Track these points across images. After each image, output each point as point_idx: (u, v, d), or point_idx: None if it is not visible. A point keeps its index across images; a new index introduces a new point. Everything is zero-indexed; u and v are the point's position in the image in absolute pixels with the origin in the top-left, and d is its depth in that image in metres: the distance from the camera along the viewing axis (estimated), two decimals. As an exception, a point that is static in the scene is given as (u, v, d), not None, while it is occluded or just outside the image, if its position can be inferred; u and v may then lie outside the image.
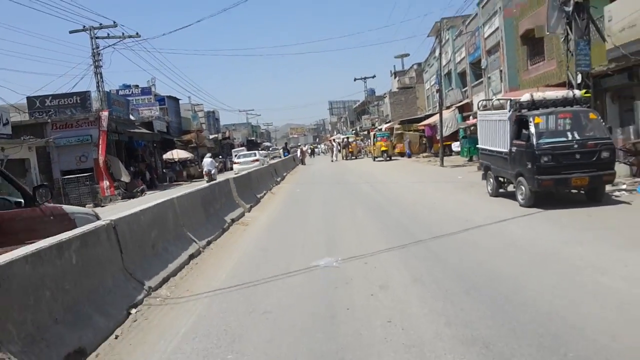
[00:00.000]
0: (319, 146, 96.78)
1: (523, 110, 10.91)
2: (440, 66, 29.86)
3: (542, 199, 10.48)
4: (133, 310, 5.28)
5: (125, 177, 29.95)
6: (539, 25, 21.15)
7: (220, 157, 52.26)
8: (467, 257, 6.77)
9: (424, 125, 39.37)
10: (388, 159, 37.99)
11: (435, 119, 33.46)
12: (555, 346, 3.82)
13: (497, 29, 27.63)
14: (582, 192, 10.70)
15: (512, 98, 11.64)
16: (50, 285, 4.24)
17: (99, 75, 30.60)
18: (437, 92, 31.84)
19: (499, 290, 5.23)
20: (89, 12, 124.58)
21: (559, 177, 10.00)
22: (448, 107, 37.42)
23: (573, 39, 12.67)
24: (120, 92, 42.69)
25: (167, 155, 40.48)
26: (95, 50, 30.40)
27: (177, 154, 40.26)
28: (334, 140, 68.75)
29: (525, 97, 11.06)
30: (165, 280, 6.36)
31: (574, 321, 4.29)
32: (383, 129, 48.19)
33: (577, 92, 11.18)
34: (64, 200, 24.93)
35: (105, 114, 29.54)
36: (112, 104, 32.21)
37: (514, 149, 11.01)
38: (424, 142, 40.99)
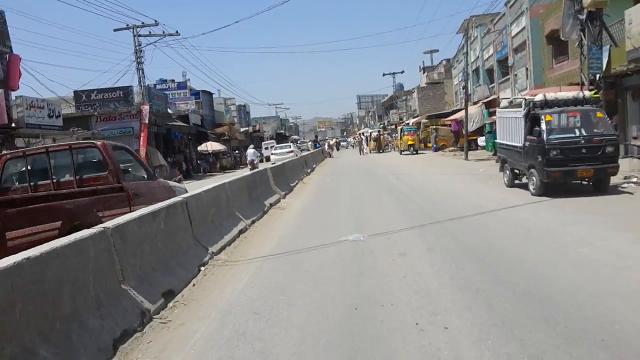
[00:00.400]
0: (347, 139, 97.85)
1: (536, 109, 11.98)
2: (466, 63, 30.70)
3: (552, 189, 11.56)
4: (202, 268, 6.68)
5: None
6: (562, 26, 22.02)
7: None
8: (475, 234, 7.98)
9: (451, 120, 40.19)
10: (415, 152, 38.97)
11: (461, 114, 34.28)
12: (528, 291, 5.05)
13: (524, 28, 28.38)
14: (590, 183, 11.72)
15: (526, 97, 12.68)
16: (149, 242, 5.64)
17: (140, 71, 32.40)
18: (462, 88, 32.64)
19: (496, 258, 6.45)
20: (132, 12, 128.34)
21: (566, 169, 11.08)
22: (475, 103, 38.21)
23: (586, 44, 13.59)
24: (157, 87, 44.57)
25: (202, 147, 42.22)
26: (137, 48, 32.19)
27: (211, 146, 41.97)
28: (362, 134, 69.83)
29: (538, 97, 12.12)
30: (222, 248, 7.76)
31: (550, 277, 5.50)
32: (410, 124, 49.04)
33: (587, 93, 12.20)
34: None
35: (146, 107, 31.33)
36: (152, 98, 34.02)
37: (527, 143, 12.10)
38: (451, 136, 41.79)
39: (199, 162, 42.01)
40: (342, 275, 6.22)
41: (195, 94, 47.85)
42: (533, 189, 11.79)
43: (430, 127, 44.13)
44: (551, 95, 12.10)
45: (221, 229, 8.28)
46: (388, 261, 6.72)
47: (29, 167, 8.08)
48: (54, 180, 8.02)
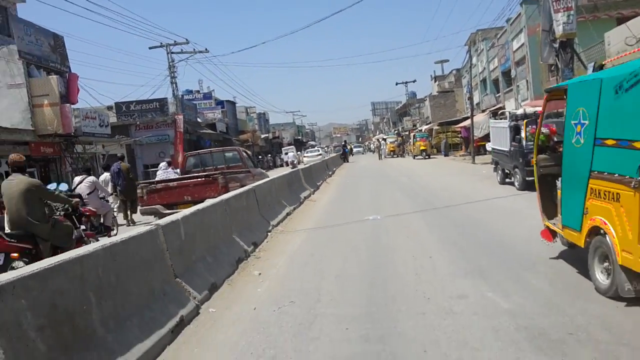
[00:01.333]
0: (362, 145, 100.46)
1: (518, 120, 14.82)
2: (470, 77, 33.51)
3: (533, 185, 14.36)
4: (268, 234, 9.67)
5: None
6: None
7: (270, 155, 57.44)
8: (463, 214, 10.87)
9: (461, 127, 42.94)
10: (427, 157, 41.78)
11: (470, 122, 37.07)
12: (487, 242, 7.93)
13: (523, 44, 31.14)
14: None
15: (510, 111, 15.53)
16: (240, 212, 8.65)
17: (174, 84, 35.70)
18: (468, 99, 35.42)
19: (473, 227, 9.34)
20: (166, 32, 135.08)
21: (541, 168, 13.87)
22: (483, 111, 40.95)
23: (560, 67, 16.41)
24: (185, 97, 48.01)
25: (227, 153, 45.43)
26: (171, 63, 35.50)
27: (237, 151, 45.13)
28: (381, 139, 72.72)
29: (520, 110, 14.97)
30: (278, 223, 10.75)
31: (504, 235, 8.37)
32: (423, 130, 51.84)
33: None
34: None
35: (180, 117, 34.64)
36: (184, 109, 37.31)
37: (512, 148, 14.94)
38: (460, 142, 44.58)
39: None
40: (364, 242, 9.12)
41: (220, 103, 51.21)
42: (517, 185, 14.63)
43: (441, 134, 46.87)
44: (530, 109, 14.94)
45: (275, 211, 11.30)
46: (397, 230, 9.65)
47: (200, 160, 15.60)
48: (215, 167, 15.11)
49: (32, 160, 21.88)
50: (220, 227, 7.30)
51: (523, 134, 14.19)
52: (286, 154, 52.24)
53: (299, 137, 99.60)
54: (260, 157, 52.64)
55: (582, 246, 5.46)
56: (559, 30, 16.31)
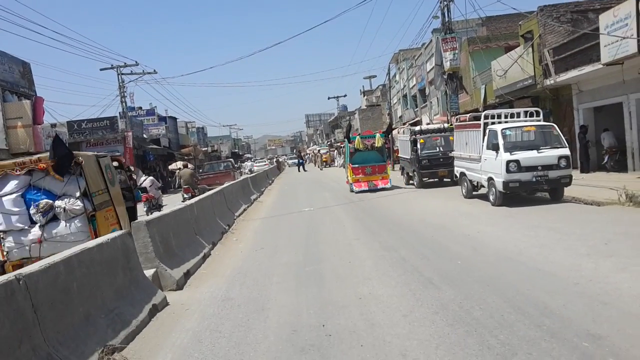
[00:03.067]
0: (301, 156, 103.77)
1: (416, 135, 19.64)
2: (389, 97, 39.08)
3: (427, 185, 19.18)
4: (234, 221, 13.76)
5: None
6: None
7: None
8: (370, 204, 15.37)
9: (384, 139, 48.26)
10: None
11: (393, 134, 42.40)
12: (383, 218, 12.40)
13: (434, 67, 36.63)
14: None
15: (410, 127, 20.36)
16: (217, 205, 12.70)
17: (124, 104, 38.73)
18: (388, 115, 40.69)
19: (375, 210, 13.82)
20: (116, 54, 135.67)
21: (431, 171, 18.74)
22: (404, 123, 46.50)
23: (449, 94, 21.50)
24: (130, 114, 50.68)
25: (172, 166, 48.38)
26: (121, 84, 38.55)
27: (180, 165, 48.31)
28: (319, 151, 77.59)
29: (417, 128, 19.82)
30: (239, 215, 14.85)
31: (394, 215, 12.87)
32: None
33: (446, 125, 19.99)
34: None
35: (129, 134, 37.68)
36: (132, 126, 40.31)
37: (412, 156, 19.73)
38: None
39: (169, 179, 48.30)
40: (303, 221, 13.42)
41: (163, 119, 54.09)
42: (416, 184, 19.42)
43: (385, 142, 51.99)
44: (425, 126, 19.85)
45: (236, 207, 15.40)
46: (324, 215, 14.02)
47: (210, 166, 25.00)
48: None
49: (6, 176, 24.65)
50: (210, 211, 11.36)
51: (418, 146, 19.02)
52: (243, 162, 56.35)
53: (236, 150, 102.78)
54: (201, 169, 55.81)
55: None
56: (447, 65, 21.40)
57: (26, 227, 7.90)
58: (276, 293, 6.51)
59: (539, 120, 13.48)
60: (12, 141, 24.50)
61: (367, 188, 19.75)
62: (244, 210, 16.18)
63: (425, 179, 19.01)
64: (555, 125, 13.07)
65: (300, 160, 53.01)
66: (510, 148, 12.13)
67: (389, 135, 26.99)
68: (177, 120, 61.45)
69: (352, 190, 20.04)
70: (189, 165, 25.70)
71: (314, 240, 10.25)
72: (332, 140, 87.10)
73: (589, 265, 6.33)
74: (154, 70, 38.91)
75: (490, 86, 25.35)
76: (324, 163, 57.19)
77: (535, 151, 12.03)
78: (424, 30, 72.83)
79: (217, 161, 39.15)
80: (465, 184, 14.63)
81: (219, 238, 10.91)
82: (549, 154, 11.97)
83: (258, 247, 10.04)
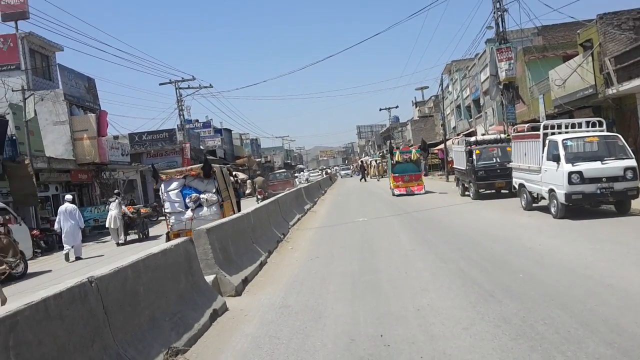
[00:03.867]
0: (350, 167, 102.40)
1: (472, 146, 19.29)
2: (442, 107, 38.51)
3: (484, 196, 18.77)
4: (289, 230, 13.89)
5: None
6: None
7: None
8: (426, 215, 15.20)
9: (438, 150, 47.65)
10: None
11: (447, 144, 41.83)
12: (440, 228, 12.23)
13: (488, 77, 35.95)
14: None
15: (466, 138, 20.01)
16: (272, 214, 12.88)
17: (182, 116, 40.00)
18: (441, 126, 40.13)
19: (430, 222, 13.64)
20: (174, 69, 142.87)
21: (488, 182, 18.33)
22: (458, 134, 45.74)
23: (505, 104, 21.02)
24: (187, 126, 52.29)
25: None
26: (179, 98, 39.86)
27: (238, 175, 49.35)
28: (375, 160, 77.44)
29: (473, 138, 19.46)
30: (294, 224, 14.99)
31: (452, 224, 12.67)
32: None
33: (503, 135, 19.54)
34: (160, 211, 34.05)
35: (187, 146, 38.85)
36: (190, 138, 41.54)
37: (467, 167, 19.37)
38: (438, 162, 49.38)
39: (224, 189, 49.39)
40: (357, 231, 13.41)
41: (218, 131, 55.50)
42: (472, 195, 19.04)
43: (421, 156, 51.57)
44: (481, 137, 19.45)
45: (290, 215, 15.56)
46: (378, 225, 13.95)
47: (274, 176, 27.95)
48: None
49: (72, 185, 25.94)
50: (266, 221, 11.55)
51: (474, 156, 18.65)
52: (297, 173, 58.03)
53: (288, 161, 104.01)
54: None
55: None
56: (502, 75, 20.97)
57: (183, 211, 12.82)
58: (333, 302, 6.52)
59: (602, 131, 12.98)
60: (79, 152, 25.75)
61: (405, 192, 24.47)
62: (298, 219, 16.32)
63: (481, 190, 18.61)
64: (620, 136, 12.56)
65: (364, 170, 57.36)
66: (572, 159, 11.74)
67: (426, 150, 31.38)
68: (232, 132, 62.94)
69: (393, 194, 24.73)
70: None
71: (369, 250, 10.22)
72: (384, 152, 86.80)
73: (662, 281, 6.01)
74: (210, 85, 40.33)
75: (549, 96, 24.62)
76: (378, 174, 56.97)
77: (599, 162, 11.58)
78: (477, 40, 71.99)
79: (279, 171, 49.04)
80: (525, 195, 14.22)
81: (274, 246, 11.05)
82: (614, 165, 11.49)
83: (313, 256, 10.10)
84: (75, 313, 3.84)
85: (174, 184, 12.91)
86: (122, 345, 4.27)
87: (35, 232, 17.72)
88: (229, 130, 60.16)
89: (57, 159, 24.02)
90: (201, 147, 46.24)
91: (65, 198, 16.64)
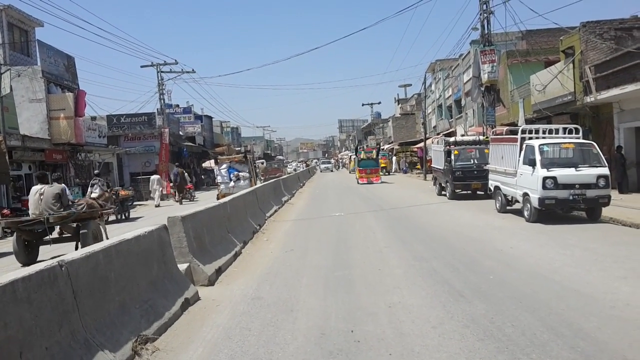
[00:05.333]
0: (331, 161, 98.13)
1: (450, 146, 19.46)
2: (424, 106, 38.81)
3: (458, 197, 18.98)
4: (266, 221, 13.86)
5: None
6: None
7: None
8: (401, 213, 15.31)
9: (417, 148, 47.99)
10: (387, 173, 46.56)
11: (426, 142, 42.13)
12: (411, 226, 12.33)
13: (471, 78, 36.25)
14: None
15: (445, 138, 20.19)
16: (249, 205, 12.84)
17: (162, 101, 39.49)
18: (422, 124, 40.42)
19: (406, 220, 13.75)
20: (156, 52, 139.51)
21: (465, 183, 18.54)
22: (438, 134, 46.08)
23: (485, 106, 21.25)
24: (167, 111, 51.63)
25: (206, 164, 48.96)
26: (160, 81, 39.31)
27: (214, 163, 48.95)
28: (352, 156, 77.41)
29: (452, 139, 19.63)
30: (270, 215, 14.97)
31: (423, 221, 12.78)
32: (384, 149, 56.78)
33: (482, 137, 19.75)
34: (136, 195, 33.64)
35: (166, 130, 38.37)
36: (169, 123, 41.05)
37: (445, 167, 19.55)
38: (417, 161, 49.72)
39: (202, 176, 48.96)
40: (333, 226, 13.45)
41: (199, 117, 54.94)
42: (448, 195, 19.23)
43: (400, 153, 51.93)
44: (460, 138, 19.63)
45: (267, 207, 15.52)
46: (354, 220, 14.01)
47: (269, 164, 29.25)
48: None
49: (46, 165, 25.45)
50: (242, 211, 11.50)
51: (452, 157, 18.83)
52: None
53: (268, 152, 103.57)
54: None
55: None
56: (484, 77, 21.17)
57: (228, 182, 20.95)
58: (305, 295, 6.55)
59: (579, 138, 13.23)
60: (54, 131, 25.28)
61: (366, 182, 32.75)
62: (275, 211, 16.29)
63: (458, 190, 18.81)
64: (595, 144, 12.81)
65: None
66: (547, 164, 11.93)
67: (379, 151, 39.69)
68: (213, 119, 62.34)
69: (358, 183, 32.97)
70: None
71: (344, 245, 10.27)
72: (365, 147, 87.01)
73: (626, 289, 6.17)
74: (193, 70, 39.60)
75: (528, 100, 24.94)
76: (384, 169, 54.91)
77: (573, 169, 11.81)
78: (462, 41, 72.65)
79: (274, 161, 59.43)
80: (500, 198, 14.43)
81: (250, 237, 11.03)
82: (588, 173, 11.72)
83: (288, 248, 10.10)
84: (44, 297, 3.78)
85: (224, 165, 21.96)
86: (91, 331, 4.23)
87: (5, 211, 17.35)
88: (210, 117, 59.59)
89: (32, 138, 23.51)
90: (180, 132, 45.77)
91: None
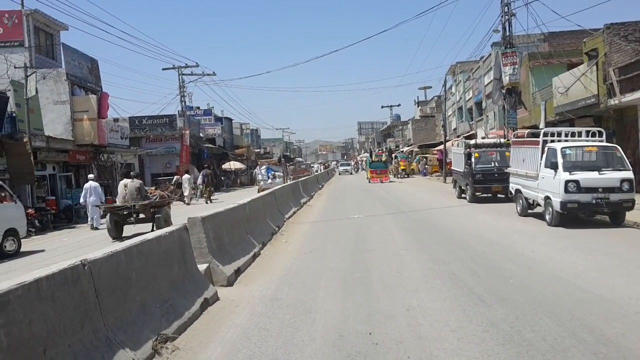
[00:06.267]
0: (350, 163, 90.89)
1: (471, 149, 19.30)
2: (444, 108, 38.47)
3: (479, 200, 18.81)
4: (284, 223, 13.91)
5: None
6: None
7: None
8: (421, 215, 15.23)
9: (437, 150, 47.69)
10: (406, 176, 46.38)
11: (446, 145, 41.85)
12: (433, 228, 12.26)
13: (492, 80, 35.92)
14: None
15: (465, 141, 20.03)
16: (268, 206, 12.89)
17: (183, 103, 39.89)
18: (442, 127, 40.14)
19: (425, 222, 13.67)
20: (177, 55, 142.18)
21: (485, 186, 18.37)
22: (459, 136, 45.74)
23: (506, 109, 21.03)
24: (187, 113, 52.12)
25: (225, 166, 49.53)
26: (181, 84, 39.74)
27: (234, 164, 49.28)
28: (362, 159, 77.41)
29: (472, 141, 19.48)
30: (289, 217, 15.01)
31: (445, 224, 12.69)
32: (404, 152, 56.56)
33: (503, 140, 19.56)
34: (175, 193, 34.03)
35: (187, 132, 38.75)
36: (190, 125, 41.44)
37: (465, 169, 19.40)
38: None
39: (222, 177, 49.31)
40: (351, 228, 13.44)
41: (219, 119, 55.34)
42: (468, 198, 19.08)
43: (420, 155, 51.64)
44: (480, 140, 19.47)
45: (285, 208, 15.57)
46: (373, 223, 13.98)
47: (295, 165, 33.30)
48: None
49: (69, 166, 25.91)
50: (261, 212, 11.56)
51: (473, 159, 18.68)
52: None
53: (287, 153, 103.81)
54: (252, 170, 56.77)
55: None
56: (505, 79, 20.96)
57: (267, 179, 29.86)
58: (323, 297, 6.56)
59: (602, 141, 13.02)
60: (78, 133, 25.69)
61: (377, 182, 36.99)
62: (294, 213, 16.34)
63: (478, 193, 18.65)
64: (619, 147, 12.60)
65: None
66: (569, 168, 11.77)
67: (390, 156, 46.73)
68: (233, 121, 62.74)
69: (369, 182, 37.64)
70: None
71: (362, 247, 10.25)
72: (384, 149, 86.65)
73: (651, 295, 6.06)
74: (213, 72, 39.97)
75: (551, 103, 24.63)
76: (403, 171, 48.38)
77: (596, 172, 11.62)
78: (483, 43, 72.06)
79: (300, 162, 64.58)
80: (521, 201, 14.26)
81: (268, 238, 11.08)
82: (611, 176, 11.53)
83: (307, 250, 10.13)
84: (67, 295, 3.85)
85: (264, 166, 31.69)
86: (112, 329, 4.30)
87: (30, 210, 17.69)
88: (230, 119, 59.97)
89: (56, 139, 23.95)
90: (201, 134, 46.14)
91: (89, 177, 19.72)
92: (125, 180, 14.27)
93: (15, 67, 22.12)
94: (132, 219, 13.86)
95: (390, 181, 38.45)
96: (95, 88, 28.37)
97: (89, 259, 4.26)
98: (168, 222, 13.17)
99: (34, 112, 22.13)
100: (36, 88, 21.51)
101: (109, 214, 13.93)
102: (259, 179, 30.50)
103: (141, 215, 13.97)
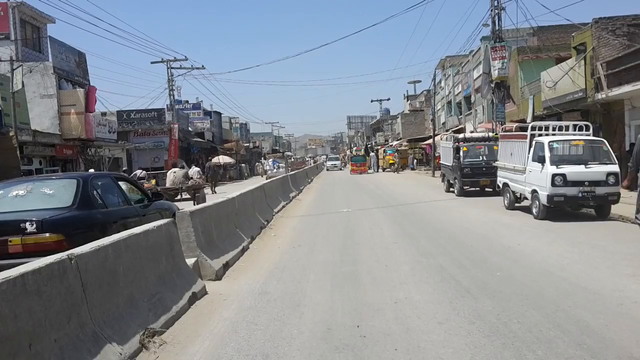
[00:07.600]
0: (339, 157, 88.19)
1: (459, 143, 19.39)
2: (433, 103, 38.52)
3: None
4: (273, 217, 13.90)
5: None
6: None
7: (247, 164, 61.69)
8: (409, 209, 15.28)
9: (426, 145, 47.86)
10: (394, 170, 46.50)
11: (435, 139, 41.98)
12: (419, 221, 12.32)
13: (481, 74, 36.04)
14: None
15: (454, 135, 20.12)
16: (257, 201, 12.88)
17: (172, 97, 39.65)
18: (431, 121, 40.28)
19: (413, 215, 13.73)
20: (166, 48, 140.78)
21: (473, 180, 18.47)
22: (447, 130, 45.90)
23: (495, 103, 21.14)
24: (176, 107, 51.79)
25: (215, 160, 49.28)
26: (170, 77, 39.47)
27: (223, 159, 49.06)
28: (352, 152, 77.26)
29: (461, 135, 19.56)
30: (278, 211, 15.00)
31: (429, 217, 12.76)
32: (393, 146, 56.68)
33: (491, 134, 19.66)
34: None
35: (175, 126, 38.54)
36: (178, 119, 41.20)
37: (453, 163, 19.49)
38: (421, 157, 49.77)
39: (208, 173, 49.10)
40: (340, 222, 13.47)
41: (208, 113, 55.08)
42: (456, 192, 19.18)
43: (409, 149, 51.80)
44: (469, 134, 19.56)
45: (274, 203, 15.57)
46: (362, 216, 14.02)
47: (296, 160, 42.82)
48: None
49: (57, 160, 25.68)
50: (250, 206, 11.55)
51: (461, 153, 18.77)
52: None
53: (276, 148, 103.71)
54: (242, 164, 56.67)
55: None
56: (494, 73, 21.06)
57: (272, 169, 42.68)
58: (312, 290, 6.57)
59: (589, 135, 13.14)
60: (65, 127, 25.49)
61: (357, 173, 43.64)
62: (283, 207, 16.34)
63: (466, 187, 18.75)
64: (605, 141, 12.72)
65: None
66: (556, 161, 11.87)
67: (367, 153, 53.20)
68: (222, 115, 62.49)
69: (350, 174, 44.41)
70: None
71: (351, 241, 10.28)
72: (373, 143, 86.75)
73: (634, 287, 6.14)
74: (202, 66, 39.79)
75: (539, 97, 24.80)
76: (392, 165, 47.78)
77: (582, 166, 11.73)
78: (473, 37, 72.29)
79: (289, 156, 62.66)
80: (508, 194, 14.37)
81: (257, 233, 11.08)
82: (597, 170, 11.65)
83: (295, 244, 10.14)
84: (53, 289, 3.83)
85: (270, 159, 47.21)
86: (99, 324, 4.28)
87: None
88: (219, 113, 59.74)
89: (43, 133, 23.73)
90: (190, 128, 45.92)
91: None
92: (174, 169, 20.25)
93: (1, 60, 21.85)
94: (179, 197, 18.52)
95: (368, 173, 45.60)
96: (82, 82, 28.14)
97: (75, 253, 4.23)
98: (204, 201, 15.84)
99: (20, 106, 21.90)
100: (22, 81, 21.28)
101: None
102: (267, 168, 43.11)
103: (184, 195, 18.79)
